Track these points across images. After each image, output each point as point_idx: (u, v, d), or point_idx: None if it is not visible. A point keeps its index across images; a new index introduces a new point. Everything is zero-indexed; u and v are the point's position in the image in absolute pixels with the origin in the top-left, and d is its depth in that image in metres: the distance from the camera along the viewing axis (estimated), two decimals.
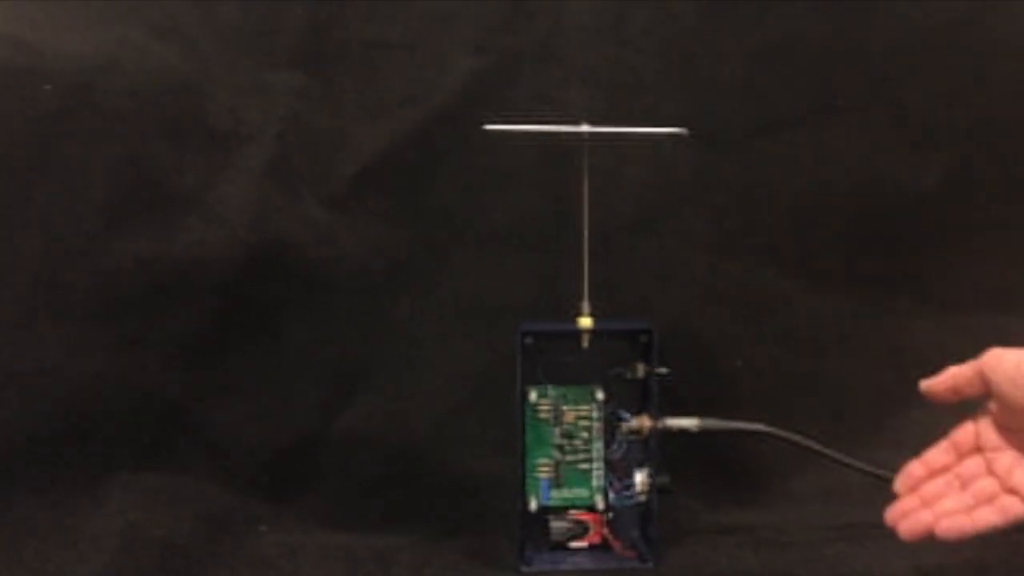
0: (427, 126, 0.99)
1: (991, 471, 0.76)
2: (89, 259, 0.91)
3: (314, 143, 0.98)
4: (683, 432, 0.87)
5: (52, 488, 0.89)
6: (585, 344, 0.88)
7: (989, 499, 0.74)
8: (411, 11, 1.00)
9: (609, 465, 0.90)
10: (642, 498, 0.88)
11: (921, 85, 1.04)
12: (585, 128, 0.86)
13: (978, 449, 0.77)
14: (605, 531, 0.89)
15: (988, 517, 0.73)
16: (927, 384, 0.78)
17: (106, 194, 0.92)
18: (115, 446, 0.92)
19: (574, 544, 0.89)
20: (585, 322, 0.86)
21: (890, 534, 0.88)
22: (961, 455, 0.77)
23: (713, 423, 0.88)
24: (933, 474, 0.77)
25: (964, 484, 0.76)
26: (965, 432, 0.78)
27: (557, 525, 0.89)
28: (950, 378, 0.77)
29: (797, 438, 0.86)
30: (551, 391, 0.90)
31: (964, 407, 1.00)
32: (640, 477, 0.88)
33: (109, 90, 0.93)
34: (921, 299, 1.04)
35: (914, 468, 0.78)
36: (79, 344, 0.91)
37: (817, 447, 0.87)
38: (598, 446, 0.90)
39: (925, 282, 1.04)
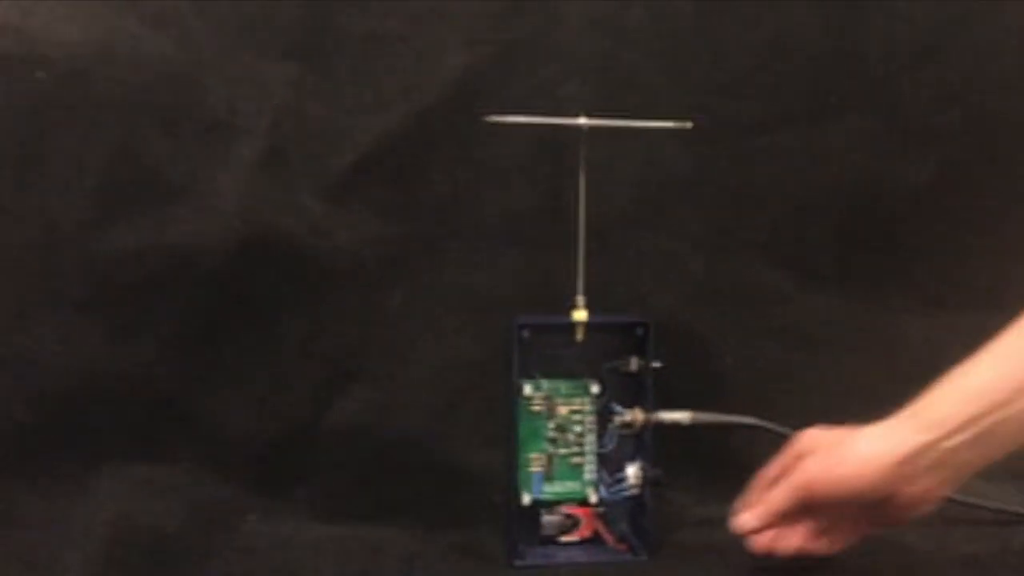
0: (422, 119, 0.99)
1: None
2: (81, 248, 0.91)
3: (309, 135, 0.98)
4: (675, 426, 0.87)
5: (42, 477, 0.89)
6: (580, 337, 0.88)
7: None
8: (407, 3, 1.00)
9: (601, 459, 0.90)
10: (634, 491, 0.88)
11: (916, 84, 1.04)
12: (588, 121, 0.86)
13: None
14: (597, 525, 0.89)
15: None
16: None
17: (99, 183, 0.92)
18: (106, 436, 0.91)
19: (566, 538, 0.89)
20: (580, 315, 0.86)
21: None
22: None
23: (705, 417, 0.88)
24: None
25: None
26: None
27: (549, 519, 0.89)
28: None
29: (788, 432, 0.86)
30: (545, 384, 0.89)
31: None
32: (632, 471, 0.88)
33: (103, 79, 0.92)
34: (914, 297, 1.05)
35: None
36: (71, 333, 0.90)
37: None
38: (591, 440, 0.89)
39: (918, 280, 1.05)
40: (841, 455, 0.77)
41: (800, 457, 0.80)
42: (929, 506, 0.77)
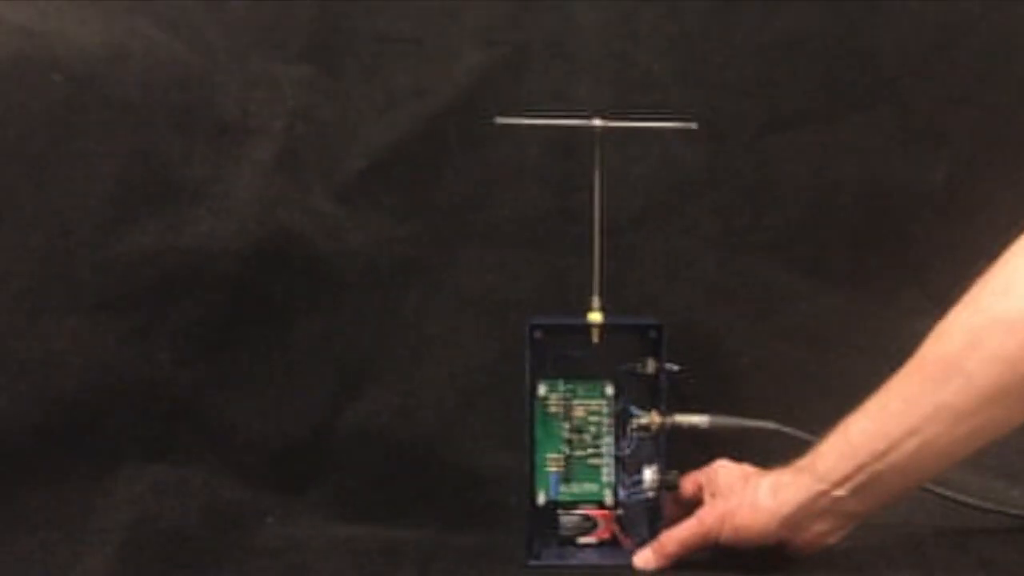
0: (436, 120, 0.99)
1: None
2: (97, 251, 0.91)
3: (322, 136, 0.98)
4: (692, 429, 0.87)
5: (59, 480, 0.89)
6: (595, 339, 0.88)
7: None
8: (420, 5, 1.00)
9: (618, 461, 0.90)
10: (651, 494, 0.88)
11: (928, 83, 1.04)
12: (597, 122, 0.86)
13: None
14: (614, 527, 0.89)
15: None
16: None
17: (114, 185, 0.92)
18: (123, 438, 0.91)
19: (582, 540, 0.89)
20: (595, 317, 0.86)
21: (899, 529, 0.89)
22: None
23: (723, 420, 0.88)
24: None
25: None
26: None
27: (566, 520, 0.89)
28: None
29: (809, 437, 0.86)
30: (561, 385, 0.89)
31: None
32: (649, 473, 0.88)
33: (118, 81, 0.93)
34: (926, 296, 1.04)
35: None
36: (87, 336, 0.90)
37: None
38: (608, 441, 0.89)
39: (930, 279, 1.05)
40: (738, 503, 0.82)
41: (712, 494, 0.85)
42: (818, 550, 0.82)
